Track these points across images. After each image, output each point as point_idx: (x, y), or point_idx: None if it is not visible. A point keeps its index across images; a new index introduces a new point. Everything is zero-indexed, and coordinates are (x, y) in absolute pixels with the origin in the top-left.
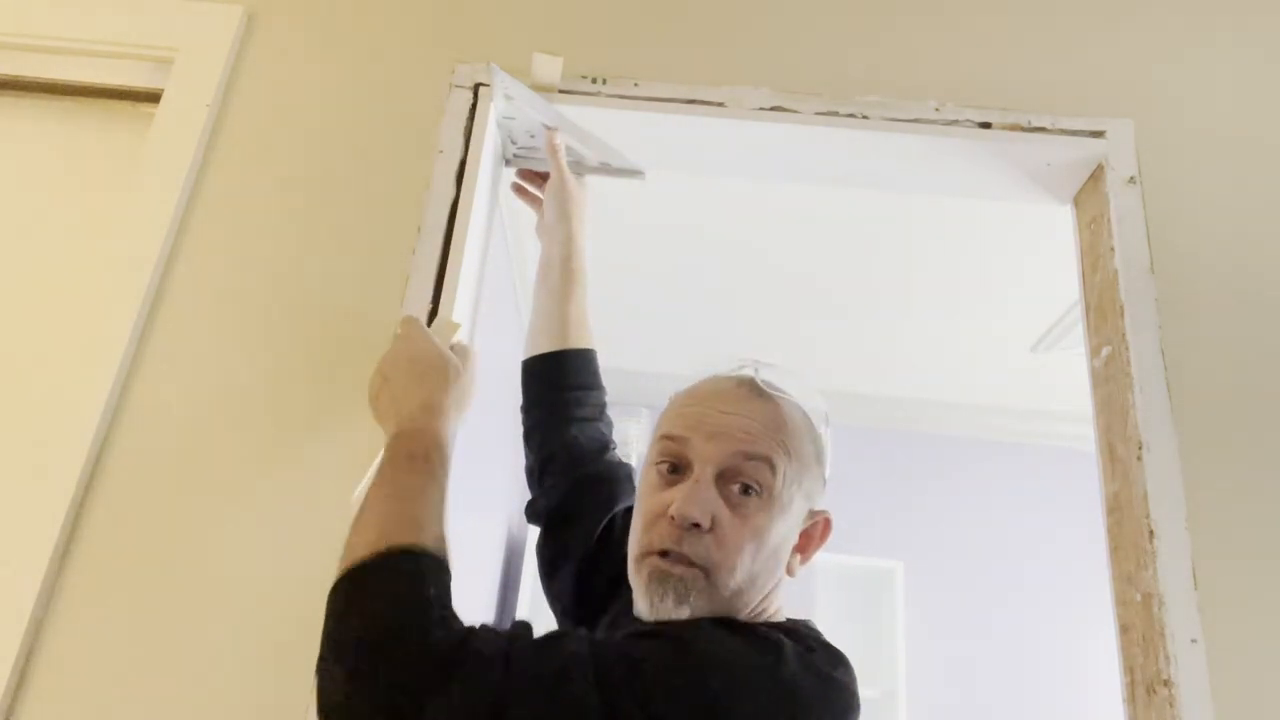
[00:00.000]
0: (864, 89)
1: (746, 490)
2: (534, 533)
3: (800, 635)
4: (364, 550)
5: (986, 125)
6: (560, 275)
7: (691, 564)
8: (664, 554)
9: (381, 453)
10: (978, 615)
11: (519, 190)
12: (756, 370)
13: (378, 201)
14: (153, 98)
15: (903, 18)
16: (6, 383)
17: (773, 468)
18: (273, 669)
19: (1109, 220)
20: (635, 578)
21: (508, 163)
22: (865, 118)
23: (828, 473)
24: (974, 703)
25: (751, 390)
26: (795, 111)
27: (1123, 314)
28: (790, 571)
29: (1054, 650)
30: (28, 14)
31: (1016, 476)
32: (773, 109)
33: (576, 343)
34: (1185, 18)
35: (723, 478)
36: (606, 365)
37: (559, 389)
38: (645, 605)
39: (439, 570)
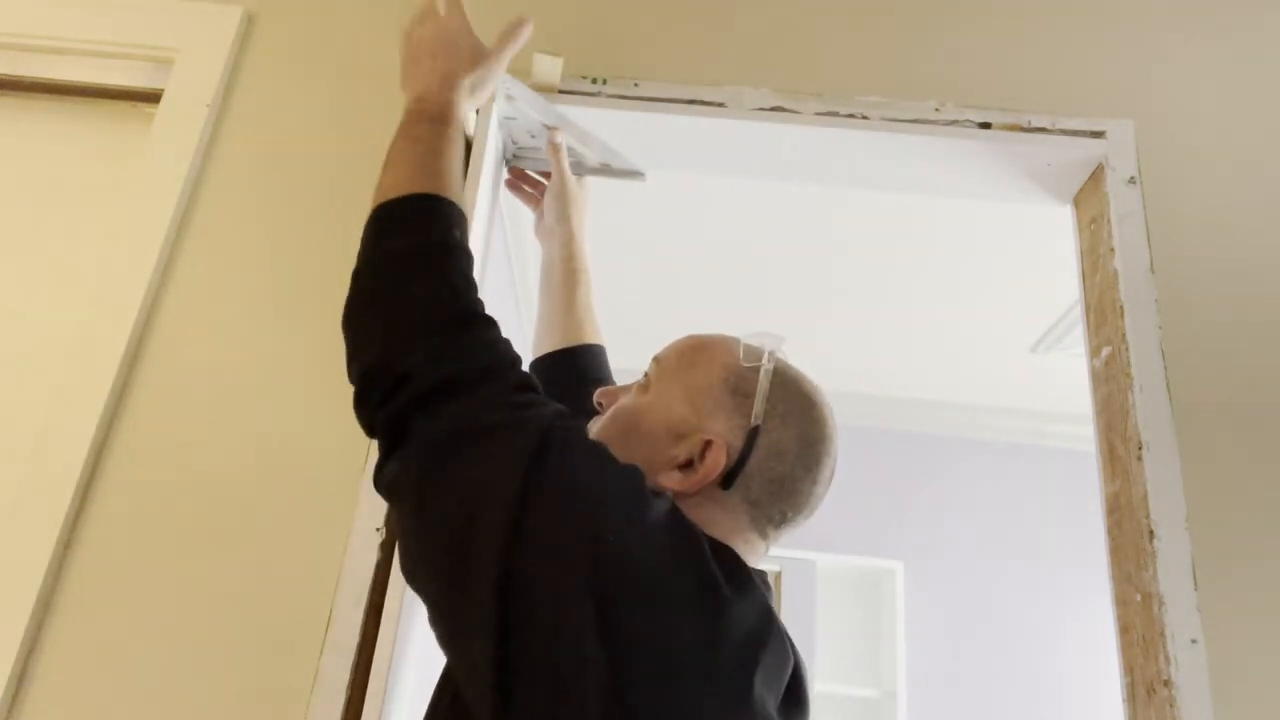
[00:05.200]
0: (864, 89)
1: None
2: None
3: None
4: (393, 192)
5: (986, 125)
6: (562, 276)
7: None
8: None
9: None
10: (978, 615)
11: (512, 187)
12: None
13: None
14: (153, 98)
15: (903, 18)
16: (7, 383)
17: (657, 361)
18: (274, 669)
19: (1109, 220)
20: None
21: (508, 163)
22: (865, 118)
23: (755, 414)
24: (974, 703)
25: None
26: (795, 111)
27: (1123, 314)
28: (664, 486)
29: (1054, 651)
30: (28, 14)
31: (1016, 476)
32: (773, 109)
33: (583, 339)
34: (1186, 18)
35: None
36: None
37: (569, 384)
38: None
39: (461, 218)
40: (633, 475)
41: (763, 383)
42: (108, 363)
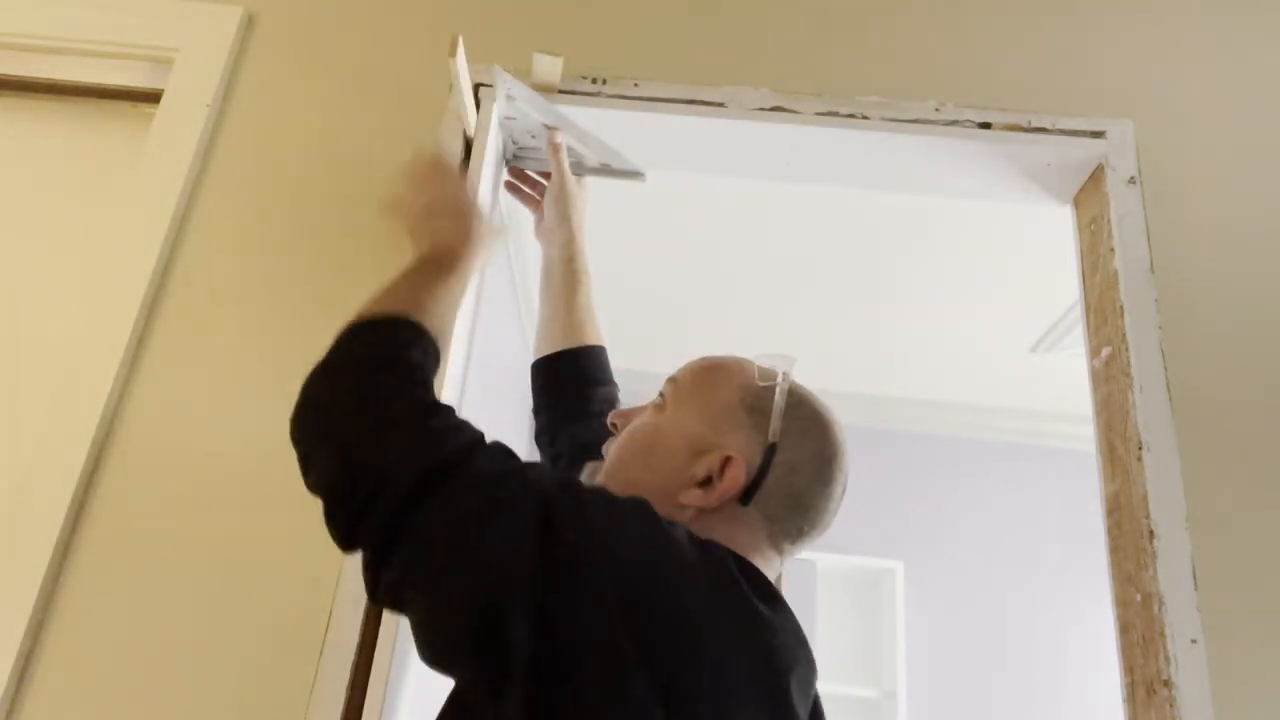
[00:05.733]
0: (864, 89)
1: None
2: None
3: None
4: (368, 313)
5: (986, 125)
6: (562, 276)
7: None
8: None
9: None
10: (978, 615)
11: (511, 188)
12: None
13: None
14: (153, 98)
15: (903, 18)
16: (7, 383)
17: (673, 382)
18: (274, 669)
19: (1109, 220)
20: None
21: (508, 163)
22: (865, 118)
23: (773, 430)
24: (974, 703)
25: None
26: (795, 111)
27: (1123, 314)
28: (684, 503)
29: (1054, 651)
30: (28, 14)
31: (1016, 476)
32: (773, 109)
33: (584, 340)
34: (1186, 18)
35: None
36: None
37: (570, 386)
38: None
39: (429, 348)
40: (645, 511)
41: (778, 401)
42: (107, 363)
